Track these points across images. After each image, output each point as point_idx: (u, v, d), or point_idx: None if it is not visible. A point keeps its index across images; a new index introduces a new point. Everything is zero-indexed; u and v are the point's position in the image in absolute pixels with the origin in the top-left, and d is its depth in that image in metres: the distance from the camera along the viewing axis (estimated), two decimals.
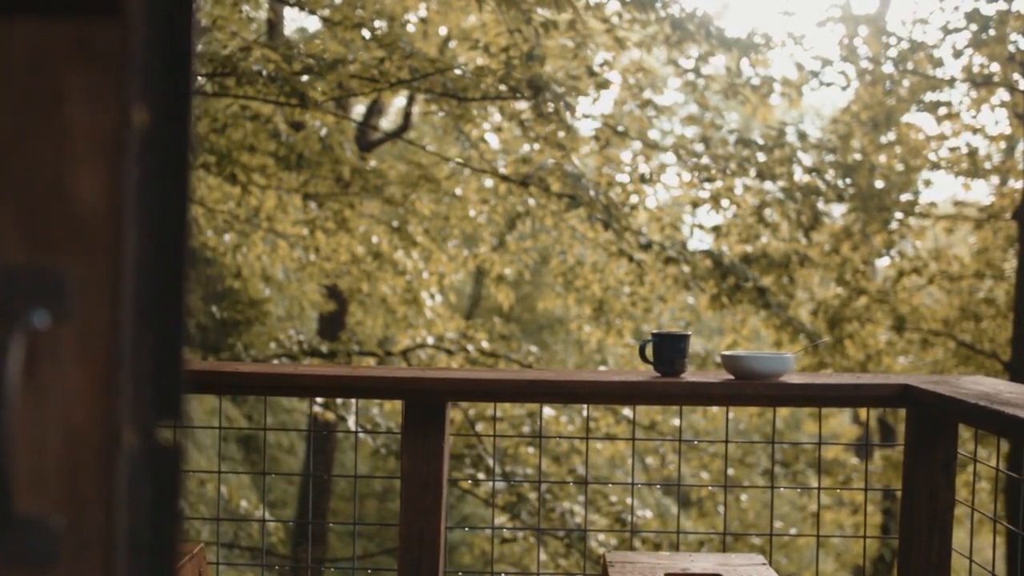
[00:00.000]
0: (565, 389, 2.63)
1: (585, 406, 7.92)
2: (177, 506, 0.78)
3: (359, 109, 11.16)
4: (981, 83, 8.54)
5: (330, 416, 8.24)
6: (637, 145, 8.36)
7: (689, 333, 2.73)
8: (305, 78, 5.97)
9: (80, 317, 0.73)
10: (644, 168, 8.21)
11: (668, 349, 2.67)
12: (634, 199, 8.10)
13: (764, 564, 2.48)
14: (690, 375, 2.70)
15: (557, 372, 2.82)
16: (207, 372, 2.90)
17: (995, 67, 8.39)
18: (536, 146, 7.24)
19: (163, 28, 0.76)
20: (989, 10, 8.08)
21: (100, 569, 0.74)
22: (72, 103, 0.73)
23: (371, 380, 2.72)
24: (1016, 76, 8.39)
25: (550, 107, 6.29)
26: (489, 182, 8.33)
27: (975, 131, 8.84)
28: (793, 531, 11.28)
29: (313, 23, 10.59)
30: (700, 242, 8.71)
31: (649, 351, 2.69)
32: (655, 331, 2.71)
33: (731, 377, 2.66)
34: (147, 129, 0.75)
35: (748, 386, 2.62)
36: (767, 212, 8.24)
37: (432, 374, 2.69)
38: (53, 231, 0.73)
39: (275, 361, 7.91)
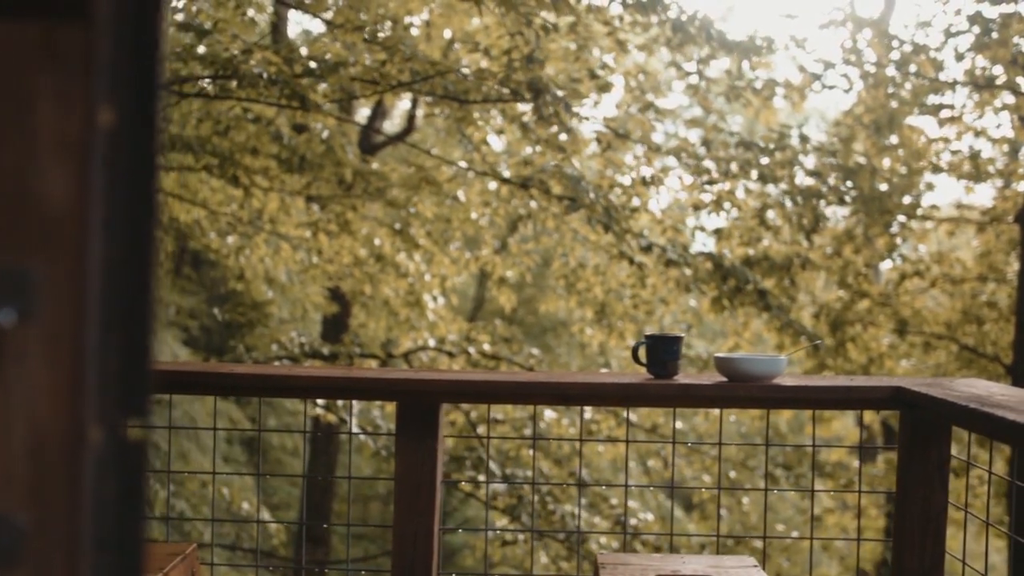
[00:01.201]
0: (557, 391, 2.63)
1: (585, 408, 7.93)
2: (142, 503, 0.79)
3: (364, 112, 11.18)
4: (984, 86, 8.53)
5: (331, 418, 8.26)
6: (639, 148, 8.37)
7: (682, 335, 2.73)
8: (306, 81, 5.98)
9: (46, 316, 0.74)
10: (646, 171, 8.22)
11: (661, 351, 2.68)
12: (636, 202, 8.10)
13: (755, 566, 2.48)
14: (683, 377, 2.71)
15: (549, 374, 2.83)
16: (203, 373, 2.91)
17: (998, 70, 8.38)
18: (538, 148, 7.25)
19: (130, 29, 0.76)
20: (992, 12, 8.08)
21: (65, 566, 0.75)
22: (38, 104, 0.74)
23: (364, 381, 2.73)
24: (1020, 79, 8.38)
25: (551, 109, 6.30)
26: (492, 185, 8.34)
27: (977, 134, 8.83)
28: (795, 534, 11.27)
29: (317, 26, 10.62)
30: (702, 245, 8.72)
31: (642, 353, 2.69)
32: (648, 333, 2.72)
33: (724, 379, 2.67)
34: (114, 130, 0.76)
35: (740, 388, 2.62)
36: (769, 215, 8.24)
37: (424, 376, 2.70)
38: (20, 231, 0.74)
39: (276, 363, 7.93)
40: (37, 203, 0.73)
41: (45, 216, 0.73)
